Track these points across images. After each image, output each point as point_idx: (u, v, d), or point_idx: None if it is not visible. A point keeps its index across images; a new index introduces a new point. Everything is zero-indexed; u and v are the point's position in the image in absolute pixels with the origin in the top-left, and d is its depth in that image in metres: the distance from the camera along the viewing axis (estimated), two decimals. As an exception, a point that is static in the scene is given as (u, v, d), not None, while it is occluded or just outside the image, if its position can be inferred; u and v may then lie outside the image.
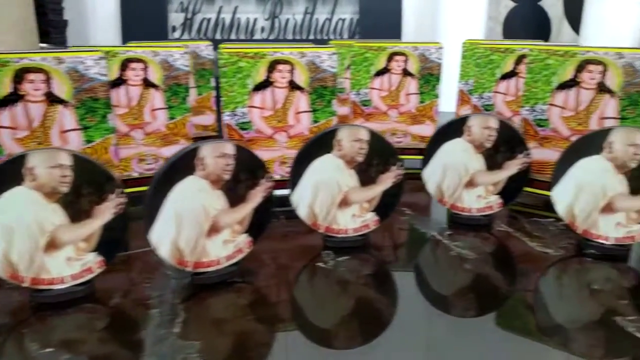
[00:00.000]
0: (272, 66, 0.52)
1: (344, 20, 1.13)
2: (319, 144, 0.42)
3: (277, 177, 0.53)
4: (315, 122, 0.54)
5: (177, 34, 1.10)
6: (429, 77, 0.67)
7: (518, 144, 0.47)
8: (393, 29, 1.15)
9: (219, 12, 1.11)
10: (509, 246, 0.45)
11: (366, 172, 0.43)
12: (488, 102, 0.66)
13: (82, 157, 0.34)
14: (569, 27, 1.18)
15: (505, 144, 0.47)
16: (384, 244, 0.46)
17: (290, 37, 1.12)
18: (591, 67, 0.49)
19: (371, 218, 0.44)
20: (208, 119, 0.76)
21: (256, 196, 0.39)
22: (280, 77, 0.52)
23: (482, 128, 0.47)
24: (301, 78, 0.52)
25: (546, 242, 0.45)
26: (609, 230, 0.42)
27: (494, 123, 0.47)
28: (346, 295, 0.37)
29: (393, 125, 0.69)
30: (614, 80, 0.48)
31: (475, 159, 0.48)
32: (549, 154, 0.52)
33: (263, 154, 0.53)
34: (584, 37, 1.04)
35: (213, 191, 0.37)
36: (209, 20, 1.11)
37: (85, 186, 0.34)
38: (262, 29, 1.11)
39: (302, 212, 0.43)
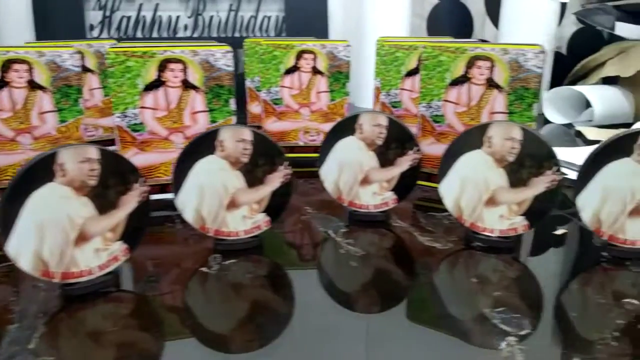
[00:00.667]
0: (163, 65, 0.50)
1: (269, 18, 1.12)
2: (201, 145, 0.41)
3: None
4: (213, 122, 0.53)
5: (95, 33, 1.06)
6: (338, 74, 0.67)
7: (408, 140, 0.47)
8: (320, 27, 1.15)
9: (139, 10, 1.07)
10: (399, 241, 0.46)
11: (252, 173, 0.42)
12: (395, 99, 0.67)
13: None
14: (490, 22, 1.21)
15: (396, 140, 0.47)
16: (276, 244, 0.45)
17: (214, 34, 1.10)
18: (480, 63, 0.50)
19: (262, 219, 0.43)
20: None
21: (130, 201, 0.37)
22: (173, 76, 0.50)
23: (373, 125, 0.47)
24: (195, 77, 0.51)
25: (436, 236, 0.46)
26: (493, 222, 0.43)
27: (383, 120, 0.47)
28: (240, 299, 0.36)
29: (306, 124, 0.69)
30: (501, 76, 0.50)
31: (368, 156, 0.48)
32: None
33: (158, 156, 0.52)
34: (502, 34, 1.07)
35: (78, 198, 0.35)
36: (128, 18, 1.07)
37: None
38: (185, 27, 1.09)
39: (189, 216, 0.42)
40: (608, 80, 0.99)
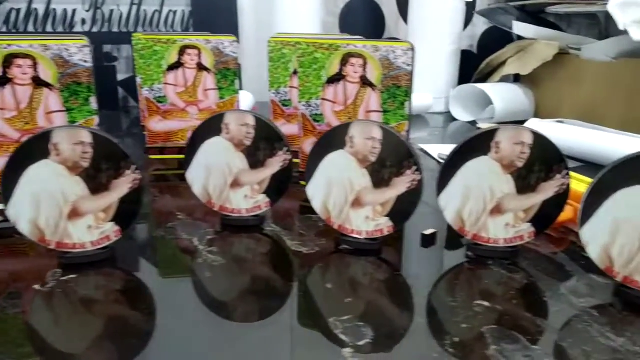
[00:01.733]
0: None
1: (175, 12, 1.07)
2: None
3: None
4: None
5: (-20, 26, 0.97)
6: (226, 71, 0.64)
7: (277, 140, 0.45)
8: (229, 23, 1.11)
9: (30, 2, 1.00)
10: (265, 247, 0.44)
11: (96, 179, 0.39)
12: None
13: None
14: (402, 20, 1.22)
15: (265, 141, 0.45)
16: (132, 254, 0.42)
17: (115, 29, 1.04)
18: (353, 60, 0.49)
19: (111, 229, 0.40)
20: None
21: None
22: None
23: (240, 125, 0.45)
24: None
25: (305, 240, 0.44)
26: (360, 224, 0.42)
27: (250, 120, 0.45)
28: (91, 316, 0.32)
29: (194, 123, 0.65)
30: (373, 74, 0.48)
31: (237, 157, 0.45)
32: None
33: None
34: (412, 33, 1.07)
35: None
36: (18, 10, 0.99)
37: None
38: (83, 21, 1.02)
39: (24, 228, 0.38)
40: (516, 77, 1.01)
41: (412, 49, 0.46)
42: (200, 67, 0.64)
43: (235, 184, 0.46)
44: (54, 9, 1.01)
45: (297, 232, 0.46)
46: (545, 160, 0.39)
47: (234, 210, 0.46)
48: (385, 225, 0.41)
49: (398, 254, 0.43)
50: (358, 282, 0.38)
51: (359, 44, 0.48)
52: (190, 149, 0.46)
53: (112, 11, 1.05)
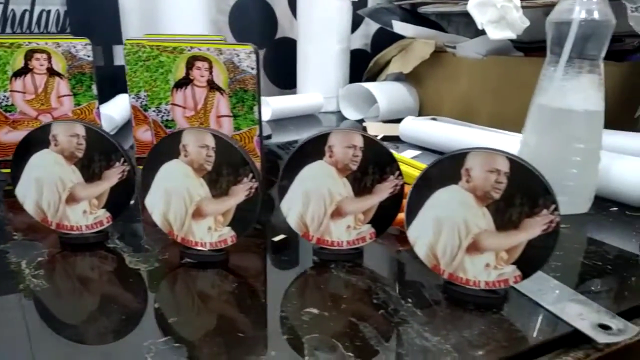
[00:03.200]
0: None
1: (48, 12, 1.00)
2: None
3: None
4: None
5: None
6: (81, 76, 0.60)
7: (113, 151, 0.42)
8: (111, 24, 1.06)
9: None
10: (98, 267, 0.41)
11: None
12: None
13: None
14: (295, 20, 1.21)
15: (100, 152, 0.42)
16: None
17: (-21, 31, 0.95)
18: (199, 63, 0.47)
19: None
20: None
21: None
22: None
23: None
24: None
25: (148, 256, 0.42)
26: (203, 235, 0.40)
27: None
28: None
29: (50, 133, 0.61)
30: (220, 77, 0.47)
31: (70, 170, 0.42)
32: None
33: None
34: (301, 32, 1.07)
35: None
36: None
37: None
38: (-59, 22, 0.92)
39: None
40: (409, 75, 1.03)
41: (255, 52, 0.45)
42: (51, 72, 0.59)
43: (71, 199, 0.43)
44: None
45: (141, 246, 0.43)
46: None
47: (72, 227, 0.43)
48: (227, 235, 0.40)
49: (246, 263, 0.42)
50: (205, 296, 0.36)
51: (203, 47, 0.46)
52: (18, 163, 0.42)
53: (-27, 11, 0.96)
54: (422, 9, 0.89)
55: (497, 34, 0.69)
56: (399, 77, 1.06)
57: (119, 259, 0.42)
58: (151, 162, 0.40)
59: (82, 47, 0.59)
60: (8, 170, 0.61)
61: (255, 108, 0.46)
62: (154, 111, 0.49)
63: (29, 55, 0.58)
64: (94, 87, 0.61)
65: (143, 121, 0.62)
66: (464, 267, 0.35)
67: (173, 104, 0.49)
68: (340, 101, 1.03)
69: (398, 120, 0.94)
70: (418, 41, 0.93)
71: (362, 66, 1.14)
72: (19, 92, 0.59)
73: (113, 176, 0.42)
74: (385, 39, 1.21)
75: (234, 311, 0.34)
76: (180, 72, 0.47)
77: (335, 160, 0.39)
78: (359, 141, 0.39)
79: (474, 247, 0.34)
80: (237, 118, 0.48)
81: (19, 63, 0.58)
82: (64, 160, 0.42)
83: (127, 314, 0.34)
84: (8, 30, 0.99)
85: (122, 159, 0.42)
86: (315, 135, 0.39)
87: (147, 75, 0.48)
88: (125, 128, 0.88)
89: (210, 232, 0.40)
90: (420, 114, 0.99)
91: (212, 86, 0.47)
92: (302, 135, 0.88)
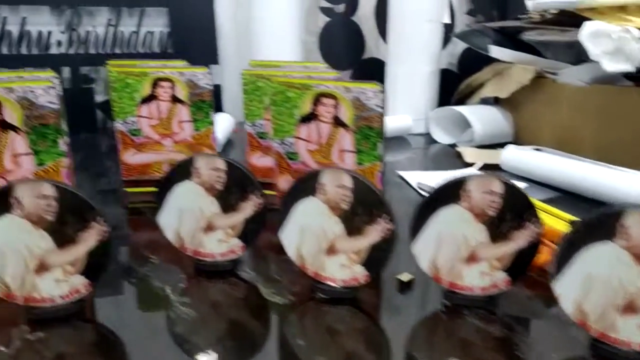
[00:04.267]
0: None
1: (152, 33, 1.06)
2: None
3: None
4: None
5: (-48, 49, 0.95)
6: (201, 103, 0.63)
7: (249, 184, 0.44)
8: (208, 43, 1.11)
9: (4, 24, 0.98)
10: (238, 295, 0.43)
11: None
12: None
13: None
14: (382, 40, 1.22)
15: (237, 185, 0.44)
16: (107, 307, 0.41)
17: (92, 51, 1.02)
18: (325, 100, 0.48)
19: (80, 282, 0.39)
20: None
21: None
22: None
23: (210, 169, 0.44)
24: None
25: (280, 288, 0.43)
26: (335, 271, 0.41)
27: (221, 164, 0.44)
28: None
29: (170, 155, 0.65)
30: (346, 114, 0.48)
31: (209, 201, 0.45)
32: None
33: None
34: (391, 53, 1.07)
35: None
36: (-10, 32, 0.97)
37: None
38: (59, 43, 1.00)
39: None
40: (496, 99, 1.02)
41: (382, 91, 0.46)
42: (175, 100, 0.63)
43: (209, 228, 0.45)
44: (29, 31, 1.00)
45: (271, 277, 0.45)
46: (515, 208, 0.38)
47: (208, 254, 0.46)
48: (360, 274, 0.41)
49: (375, 301, 0.43)
50: (355, 327, 0.37)
51: (331, 85, 0.48)
52: (161, 193, 0.45)
53: (87, 32, 1.03)
54: (526, 36, 0.87)
55: (614, 66, 0.66)
56: (488, 101, 1.04)
57: (251, 288, 0.43)
58: (289, 199, 0.42)
59: (203, 76, 0.63)
60: (135, 190, 0.65)
61: (380, 145, 0.47)
62: (278, 143, 0.51)
63: (156, 83, 0.62)
64: (212, 114, 0.64)
65: (257, 148, 0.64)
66: (615, 326, 0.34)
67: (298, 138, 0.50)
68: (430, 124, 1.02)
69: (492, 146, 0.93)
70: (516, 66, 0.91)
71: (448, 87, 1.13)
72: (145, 117, 0.63)
73: (248, 208, 0.44)
74: (473, 59, 1.20)
75: (362, 349, 0.35)
76: (306, 108, 0.49)
77: (471, 205, 0.39)
78: (497, 187, 0.38)
79: (631, 308, 0.33)
80: (360, 154, 0.49)
81: (147, 90, 0.62)
82: (204, 192, 0.44)
83: (257, 344, 0.35)
84: (117, 50, 1.05)
85: (257, 192, 0.44)
86: (451, 180, 0.39)
87: (274, 110, 0.50)
88: (230, 148, 0.92)
89: (343, 269, 0.41)
90: (516, 140, 0.96)
91: (337, 122, 0.48)
92: (393, 157, 0.88)
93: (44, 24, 1.01)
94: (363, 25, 1.20)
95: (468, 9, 1.29)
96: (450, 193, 0.39)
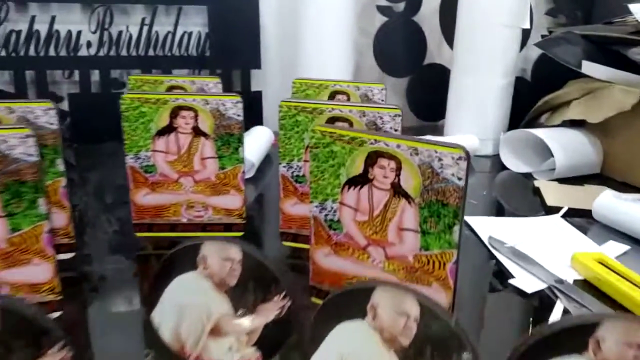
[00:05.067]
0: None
1: (190, 34, 0.96)
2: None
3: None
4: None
5: (-24, 49, 0.88)
6: (228, 137, 0.52)
7: (272, 281, 0.33)
8: (250, 43, 1.00)
9: (32, 22, 0.90)
10: None
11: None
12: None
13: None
14: (446, 45, 1.07)
15: (256, 281, 0.33)
16: None
17: (124, 53, 0.93)
18: (384, 162, 0.36)
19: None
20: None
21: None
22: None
23: (222, 259, 0.33)
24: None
25: None
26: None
27: (236, 253, 0.32)
28: None
29: (189, 197, 0.54)
30: (409, 182, 0.35)
31: (219, 299, 0.33)
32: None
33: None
34: (458, 61, 0.93)
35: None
36: (18, 32, 0.90)
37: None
38: (89, 44, 0.92)
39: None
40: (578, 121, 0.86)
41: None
42: (197, 132, 0.52)
43: (216, 332, 0.34)
44: (57, 31, 0.92)
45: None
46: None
47: None
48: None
49: None
50: None
51: (391, 142, 0.35)
52: (156, 285, 0.34)
53: (120, 32, 0.94)
54: (634, 55, 0.70)
55: None
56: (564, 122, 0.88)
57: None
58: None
59: (232, 105, 0.51)
60: (145, 234, 0.55)
61: (456, 228, 0.34)
62: (317, 207, 0.40)
63: (175, 112, 0.51)
64: (241, 150, 0.53)
65: (292, 194, 0.53)
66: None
67: (342, 204, 0.38)
68: (501, 147, 0.87)
69: (575, 180, 0.78)
70: (614, 86, 0.75)
71: (518, 98, 0.96)
72: (161, 152, 0.53)
73: (269, 311, 0.33)
74: (551, 66, 1.03)
75: None
76: (357, 169, 0.37)
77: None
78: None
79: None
80: (426, 235, 0.36)
81: (164, 121, 0.51)
82: (212, 287, 0.33)
83: None
84: (151, 52, 0.96)
85: (282, 291, 0.33)
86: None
87: (313, 166, 0.38)
88: (267, 168, 0.80)
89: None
90: (604, 171, 0.81)
91: (396, 190, 0.36)
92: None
93: (74, 22, 0.92)
94: (425, 27, 1.06)
95: (548, 8, 1.12)
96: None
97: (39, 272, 0.39)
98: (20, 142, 0.36)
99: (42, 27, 0.91)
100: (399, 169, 0.35)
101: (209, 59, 0.98)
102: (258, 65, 1.01)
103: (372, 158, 0.36)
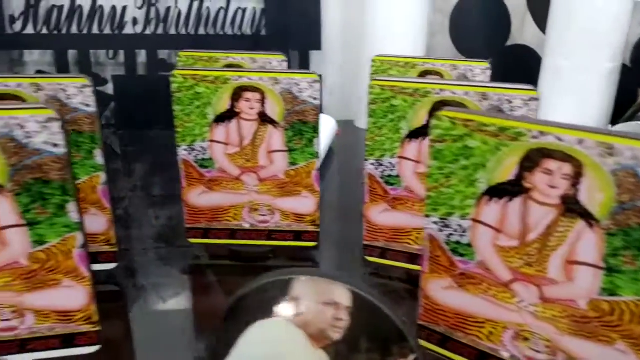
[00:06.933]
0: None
1: (244, 10, 0.86)
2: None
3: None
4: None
5: (18, 27, 0.81)
6: (302, 126, 0.42)
7: (396, 337, 0.22)
8: (310, 22, 0.89)
9: (74, -2, 0.82)
10: None
11: None
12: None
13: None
14: (533, 23, 0.94)
15: (371, 336, 0.22)
16: None
17: (172, 31, 0.85)
18: (552, 164, 0.25)
19: None
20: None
21: None
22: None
23: (321, 304, 0.22)
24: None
25: None
26: None
27: (344, 298, 0.22)
28: None
29: (252, 197, 0.44)
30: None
31: (315, 357, 0.23)
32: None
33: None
34: (551, 39, 0.80)
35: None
36: (60, 8, 0.82)
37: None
38: (135, 21, 0.84)
39: None
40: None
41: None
42: (263, 119, 0.42)
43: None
44: (101, 6, 0.84)
45: None
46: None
47: None
48: None
49: None
50: None
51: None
52: (224, 335, 0.24)
53: (168, 9, 0.85)
54: None
55: None
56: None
57: None
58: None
59: (308, 86, 0.41)
60: (199, 241, 0.46)
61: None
62: (436, 223, 0.29)
63: (238, 93, 0.41)
64: (317, 142, 0.42)
65: (381, 198, 0.42)
66: None
67: (476, 221, 0.27)
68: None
69: None
70: None
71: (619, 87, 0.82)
72: (220, 142, 0.43)
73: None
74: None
75: None
76: (505, 174, 0.26)
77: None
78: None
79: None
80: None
81: (224, 104, 0.42)
82: (306, 339, 0.23)
83: None
84: (201, 31, 0.87)
85: (412, 356, 0.22)
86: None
87: (434, 166, 0.28)
88: (330, 163, 0.70)
89: None
90: None
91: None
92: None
93: (120, -3, 0.84)
94: (510, 2, 0.92)
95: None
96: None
97: (71, 296, 0.30)
98: (41, 127, 0.26)
99: (85, 3, 0.83)
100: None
101: (264, 38, 0.88)
102: (318, 46, 0.90)
103: (534, 158, 0.25)
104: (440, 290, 0.30)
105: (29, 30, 0.82)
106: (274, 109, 0.41)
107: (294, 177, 0.43)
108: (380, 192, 0.41)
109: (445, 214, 0.28)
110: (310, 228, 0.45)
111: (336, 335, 0.22)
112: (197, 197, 0.44)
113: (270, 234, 0.45)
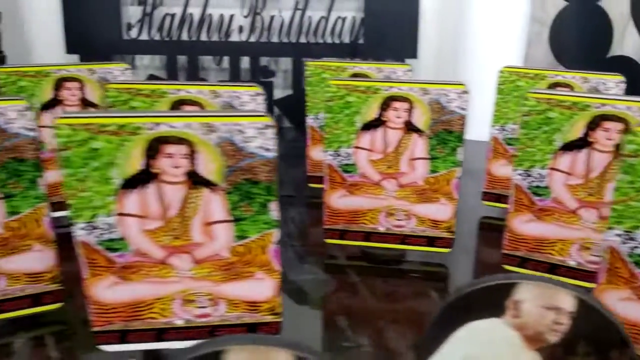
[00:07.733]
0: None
1: (344, 19, 0.88)
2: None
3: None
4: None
5: (133, 33, 0.87)
6: (446, 135, 0.43)
7: (617, 344, 0.23)
8: (407, 31, 0.90)
9: (186, 6, 0.87)
10: None
11: None
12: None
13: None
14: (636, 31, 0.92)
15: (591, 340, 0.23)
16: None
17: (275, 39, 0.88)
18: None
19: None
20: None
21: None
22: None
23: (541, 307, 0.24)
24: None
25: None
26: None
27: (567, 302, 0.23)
28: None
29: (390, 202, 0.46)
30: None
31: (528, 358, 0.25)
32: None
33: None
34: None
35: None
36: (172, 16, 0.87)
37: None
38: (241, 29, 0.88)
39: None
40: None
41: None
42: (409, 128, 0.44)
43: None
44: (210, 15, 0.88)
45: None
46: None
47: None
48: None
49: None
50: None
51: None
52: (434, 329, 0.26)
53: (272, 17, 0.89)
54: None
55: None
56: None
57: None
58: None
59: (457, 97, 0.42)
60: (335, 241, 0.48)
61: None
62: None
63: (387, 103, 0.43)
64: (460, 151, 0.44)
65: (527, 208, 0.42)
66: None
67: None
68: None
69: None
70: None
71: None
72: (364, 149, 0.45)
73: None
74: None
75: None
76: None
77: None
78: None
79: None
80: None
81: (372, 113, 0.44)
82: (521, 341, 0.24)
83: None
84: (302, 39, 0.90)
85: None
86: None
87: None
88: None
89: None
90: None
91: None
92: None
93: (227, 6, 0.88)
94: (612, 12, 0.90)
95: None
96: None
97: (261, 288, 0.33)
98: (258, 133, 0.29)
99: (195, 11, 0.88)
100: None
101: (362, 46, 0.91)
102: (414, 55, 0.92)
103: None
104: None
105: (144, 36, 0.88)
106: (421, 118, 0.43)
107: (433, 184, 0.45)
108: (526, 202, 0.41)
109: (631, 227, 0.29)
110: (445, 234, 0.46)
111: (553, 338, 0.23)
112: (338, 199, 0.46)
113: (404, 239, 0.47)
